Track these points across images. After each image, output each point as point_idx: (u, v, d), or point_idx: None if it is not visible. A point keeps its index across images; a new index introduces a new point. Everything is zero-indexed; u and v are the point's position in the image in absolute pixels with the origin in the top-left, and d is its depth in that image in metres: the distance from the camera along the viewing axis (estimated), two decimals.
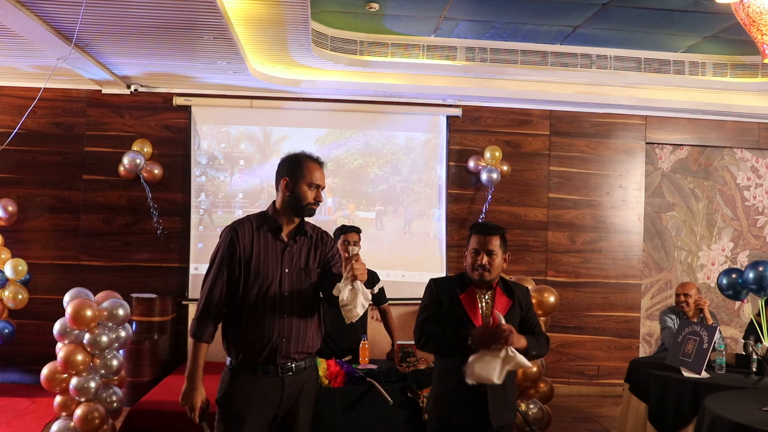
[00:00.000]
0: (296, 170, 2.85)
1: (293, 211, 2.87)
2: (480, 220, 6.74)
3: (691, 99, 6.83)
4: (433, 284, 3.11)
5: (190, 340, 2.84)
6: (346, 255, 2.71)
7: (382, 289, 5.03)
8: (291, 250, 2.86)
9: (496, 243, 3.00)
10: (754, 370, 4.36)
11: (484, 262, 2.98)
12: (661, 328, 5.27)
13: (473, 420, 2.94)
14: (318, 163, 2.90)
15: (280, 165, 2.92)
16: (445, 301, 3.03)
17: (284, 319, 2.79)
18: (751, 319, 5.00)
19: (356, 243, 4.81)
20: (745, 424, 2.93)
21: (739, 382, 4.10)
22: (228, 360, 2.86)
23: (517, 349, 2.81)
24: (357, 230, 4.83)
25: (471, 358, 2.82)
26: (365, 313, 4.93)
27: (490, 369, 2.78)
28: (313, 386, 2.97)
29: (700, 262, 7.33)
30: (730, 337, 7.14)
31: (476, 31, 6.06)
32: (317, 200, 2.86)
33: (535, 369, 4.91)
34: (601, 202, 7.15)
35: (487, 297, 3.03)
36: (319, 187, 2.87)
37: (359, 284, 2.70)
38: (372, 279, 4.99)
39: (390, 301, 5.15)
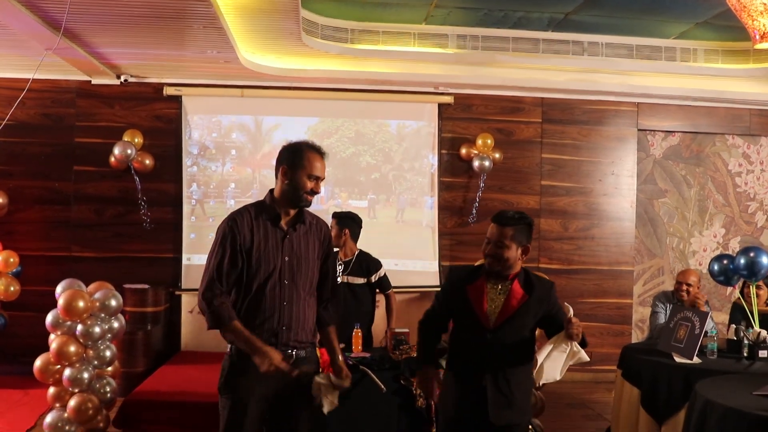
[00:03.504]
0: (296, 159, 2.83)
1: (290, 200, 2.85)
2: (473, 211, 6.73)
3: (682, 85, 6.82)
4: (448, 275, 3.21)
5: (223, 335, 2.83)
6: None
7: (385, 275, 5.05)
8: (291, 238, 2.85)
9: (508, 234, 2.89)
10: (745, 355, 4.38)
11: (488, 251, 2.93)
12: (651, 313, 5.30)
13: (472, 415, 2.90)
14: (319, 153, 2.88)
15: (280, 153, 2.91)
16: (452, 292, 3.06)
17: (284, 307, 2.80)
18: (734, 301, 5.02)
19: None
20: (737, 409, 2.94)
21: (730, 367, 4.13)
22: (229, 347, 2.85)
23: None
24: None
25: (541, 359, 2.88)
26: (356, 302, 4.93)
27: (555, 368, 2.89)
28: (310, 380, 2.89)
29: (692, 248, 7.36)
30: (721, 323, 7.15)
31: (467, 18, 6.04)
32: (314, 191, 2.85)
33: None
34: (594, 189, 7.15)
35: (500, 288, 2.96)
36: (318, 179, 2.85)
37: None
38: (374, 266, 5.00)
39: None
